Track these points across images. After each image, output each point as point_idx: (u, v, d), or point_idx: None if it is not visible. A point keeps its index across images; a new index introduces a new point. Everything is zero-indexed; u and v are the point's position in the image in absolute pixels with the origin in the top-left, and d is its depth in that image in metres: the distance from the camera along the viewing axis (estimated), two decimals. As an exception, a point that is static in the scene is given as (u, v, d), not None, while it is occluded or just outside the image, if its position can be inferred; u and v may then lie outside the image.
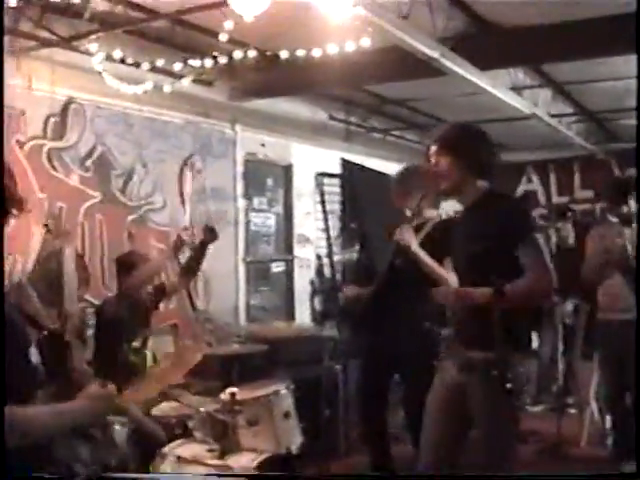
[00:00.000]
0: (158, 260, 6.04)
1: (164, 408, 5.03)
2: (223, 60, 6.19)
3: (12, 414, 2.36)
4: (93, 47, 5.80)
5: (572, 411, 7.51)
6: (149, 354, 5.36)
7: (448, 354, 3.83)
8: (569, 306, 7.75)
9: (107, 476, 2.55)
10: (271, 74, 7.21)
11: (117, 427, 4.20)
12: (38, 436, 2.42)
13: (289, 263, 8.97)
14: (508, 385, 3.28)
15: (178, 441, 4.51)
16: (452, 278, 4.08)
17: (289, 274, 8.99)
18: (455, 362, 3.69)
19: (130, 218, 6.83)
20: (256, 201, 8.50)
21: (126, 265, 5.43)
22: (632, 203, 5.84)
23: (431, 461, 3.74)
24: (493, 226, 3.55)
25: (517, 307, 3.41)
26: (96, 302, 6.04)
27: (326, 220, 9.27)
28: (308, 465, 5.09)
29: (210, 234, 5.38)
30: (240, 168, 8.16)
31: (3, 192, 2.40)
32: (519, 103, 8.16)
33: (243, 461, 4.22)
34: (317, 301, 9.01)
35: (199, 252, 5.54)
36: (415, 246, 4.60)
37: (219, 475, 3.87)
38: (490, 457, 3.53)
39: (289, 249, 8.97)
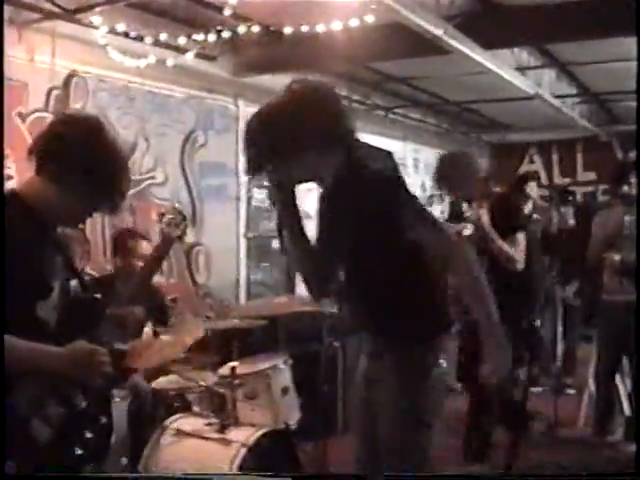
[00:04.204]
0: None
1: (163, 382, 5.05)
2: (227, 35, 6.18)
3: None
4: (96, 20, 5.78)
5: (571, 392, 7.54)
6: (149, 327, 5.36)
7: None
8: (572, 288, 7.77)
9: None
10: (275, 49, 7.19)
11: (117, 399, 4.22)
12: (8, 366, 2.40)
13: (290, 240, 8.95)
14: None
15: (178, 415, 4.54)
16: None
17: (290, 250, 8.98)
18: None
19: (131, 192, 6.81)
20: (258, 177, 8.47)
21: (122, 244, 5.39)
22: (634, 183, 5.87)
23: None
24: (360, 206, 2.86)
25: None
26: (96, 275, 6.05)
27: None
28: (306, 441, 5.11)
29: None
30: (242, 143, 8.13)
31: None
32: (523, 83, 8.14)
33: (242, 435, 4.25)
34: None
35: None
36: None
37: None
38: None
39: (290, 226, 8.96)
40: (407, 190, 3.00)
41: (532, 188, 8.40)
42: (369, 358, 3.19)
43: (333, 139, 2.90)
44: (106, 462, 2.83)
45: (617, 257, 5.81)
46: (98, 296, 2.88)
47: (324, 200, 3.02)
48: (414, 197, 3.03)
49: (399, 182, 3.00)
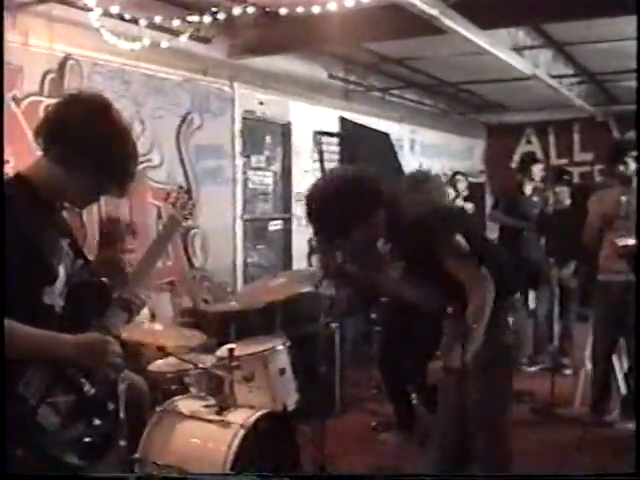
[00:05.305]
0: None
1: (161, 364, 5.06)
2: (222, 17, 6.15)
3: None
4: (91, 2, 5.75)
5: (567, 372, 7.56)
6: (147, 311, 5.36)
7: None
8: (569, 267, 7.77)
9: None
10: (270, 31, 7.15)
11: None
12: (11, 351, 2.38)
13: (287, 221, 8.96)
14: None
15: (176, 397, 4.55)
16: None
17: (287, 233, 8.99)
18: None
19: (128, 175, 6.79)
20: (254, 159, 8.47)
21: (109, 236, 5.34)
22: (630, 163, 5.86)
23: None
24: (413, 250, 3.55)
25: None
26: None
27: (324, 179, 9.22)
28: (304, 422, 5.12)
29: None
30: (238, 126, 8.12)
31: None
32: (519, 64, 8.11)
33: (240, 417, 4.26)
34: (314, 260, 9.01)
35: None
36: None
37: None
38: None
39: (287, 207, 8.96)
40: (447, 225, 3.53)
41: (537, 169, 8.46)
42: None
43: (377, 207, 3.48)
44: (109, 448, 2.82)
45: (623, 242, 5.78)
46: (105, 280, 2.86)
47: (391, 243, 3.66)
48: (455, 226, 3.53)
49: (440, 219, 3.58)
